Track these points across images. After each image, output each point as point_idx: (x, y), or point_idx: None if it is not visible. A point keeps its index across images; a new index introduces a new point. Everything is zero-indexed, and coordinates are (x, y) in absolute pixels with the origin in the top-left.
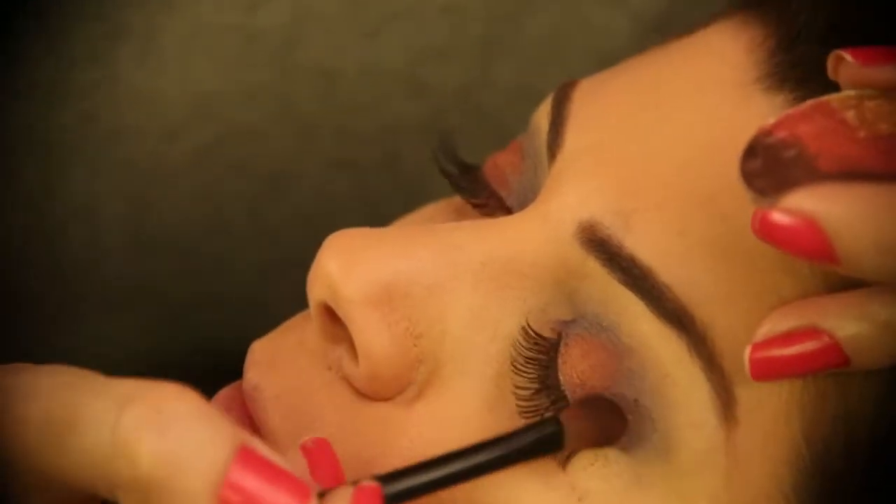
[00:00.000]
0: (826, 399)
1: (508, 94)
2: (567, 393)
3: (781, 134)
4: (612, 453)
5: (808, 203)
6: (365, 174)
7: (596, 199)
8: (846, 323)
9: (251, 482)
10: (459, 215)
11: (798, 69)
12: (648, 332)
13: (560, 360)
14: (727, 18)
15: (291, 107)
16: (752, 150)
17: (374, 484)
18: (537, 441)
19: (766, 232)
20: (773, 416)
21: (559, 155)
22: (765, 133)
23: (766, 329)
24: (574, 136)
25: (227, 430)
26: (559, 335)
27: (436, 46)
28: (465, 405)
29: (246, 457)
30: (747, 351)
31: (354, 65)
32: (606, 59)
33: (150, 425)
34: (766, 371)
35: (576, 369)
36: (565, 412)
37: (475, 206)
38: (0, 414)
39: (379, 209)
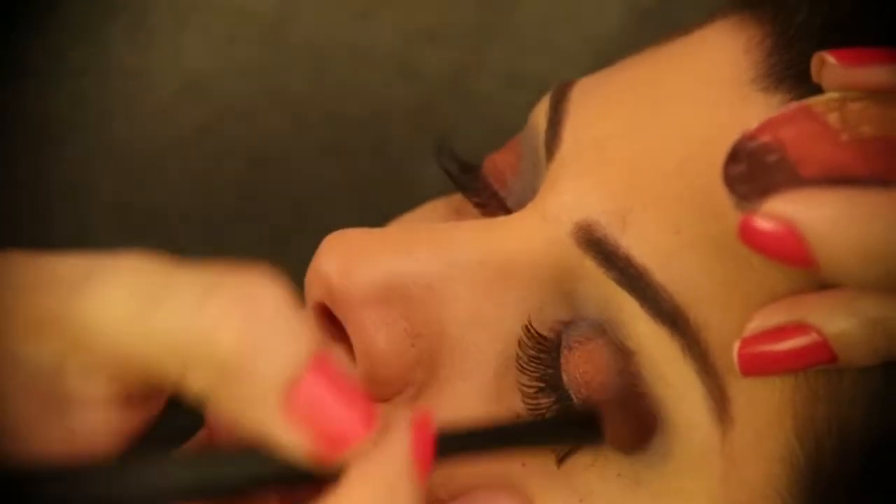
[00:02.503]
0: (817, 398)
1: (500, 79)
2: (571, 393)
3: (764, 138)
4: (611, 454)
5: (788, 208)
6: (354, 159)
7: (592, 199)
8: (834, 320)
9: (320, 391)
10: (458, 215)
11: (795, 69)
12: (644, 333)
13: (563, 361)
14: (725, 18)
15: (282, 88)
16: (736, 155)
17: (429, 417)
18: (578, 428)
19: (748, 237)
20: (766, 416)
21: (557, 154)
22: (747, 138)
23: (755, 325)
24: (571, 136)
25: (308, 332)
26: (559, 335)
27: (427, 30)
28: (463, 406)
29: (321, 365)
30: (736, 346)
31: (345, 46)
32: (599, 44)
33: (237, 310)
34: (754, 366)
35: (579, 370)
36: (605, 405)
37: (476, 204)
38: (75, 289)
39: (368, 194)
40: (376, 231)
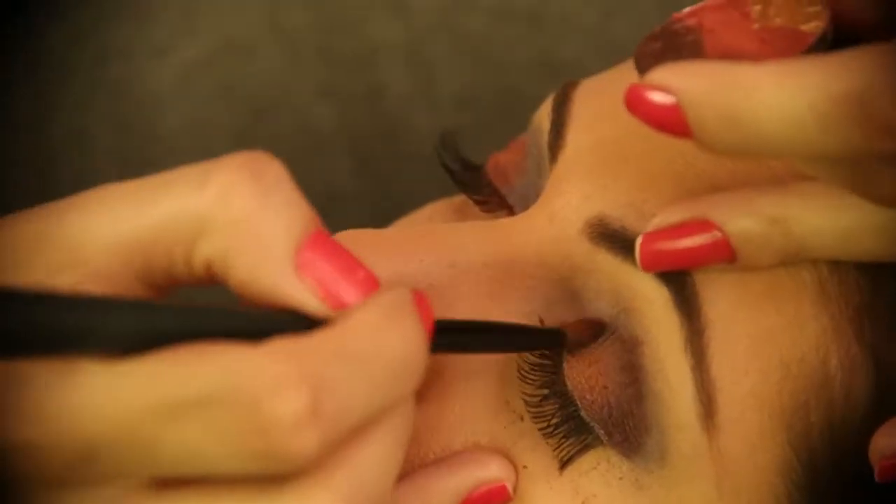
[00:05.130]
0: (808, 410)
1: (490, 15)
2: (575, 398)
3: (690, 22)
4: (614, 457)
5: (667, 77)
6: (348, 104)
7: (602, 196)
8: (735, 218)
9: (323, 255)
10: (459, 215)
11: None
12: (658, 319)
13: (566, 366)
14: None
15: (278, 22)
16: (655, 35)
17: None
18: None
19: (630, 104)
20: (757, 428)
21: (561, 155)
22: (675, 20)
23: (658, 221)
24: (576, 137)
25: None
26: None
27: None
28: (468, 407)
29: (321, 232)
30: (637, 242)
31: None
32: None
33: (243, 176)
34: (655, 262)
35: (583, 374)
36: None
37: (477, 202)
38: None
39: (361, 142)
40: (379, 232)
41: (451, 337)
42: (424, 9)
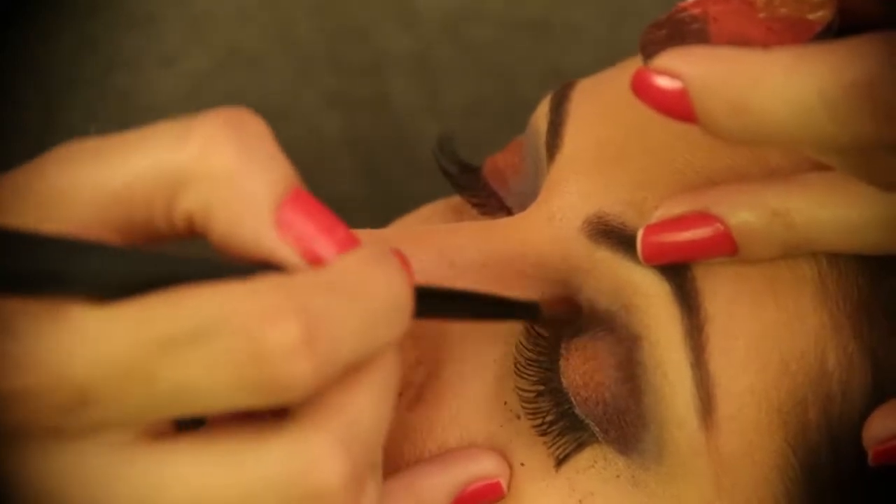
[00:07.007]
0: (806, 406)
1: (497, 25)
2: (570, 395)
3: (695, 10)
4: (610, 454)
5: (675, 62)
6: (356, 113)
7: (601, 194)
8: (737, 210)
9: (303, 213)
10: (458, 216)
11: None
12: (657, 315)
13: (562, 363)
14: None
15: (286, 31)
16: (660, 23)
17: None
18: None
19: (637, 88)
20: (755, 424)
21: (558, 155)
22: (680, 9)
23: (660, 213)
24: (573, 136)
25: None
26: (558, 337)
27: None
28: (464, 407)
29: (301, 192)
30: (640, 234)
31: None
32: None
33: (224, 132)
34: (656, 254)
35: (578, 371)
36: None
37: (475, 205)
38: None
39: (370, 151)
40: (378, 232)
41: (429, 302)
42: (432, 18)
